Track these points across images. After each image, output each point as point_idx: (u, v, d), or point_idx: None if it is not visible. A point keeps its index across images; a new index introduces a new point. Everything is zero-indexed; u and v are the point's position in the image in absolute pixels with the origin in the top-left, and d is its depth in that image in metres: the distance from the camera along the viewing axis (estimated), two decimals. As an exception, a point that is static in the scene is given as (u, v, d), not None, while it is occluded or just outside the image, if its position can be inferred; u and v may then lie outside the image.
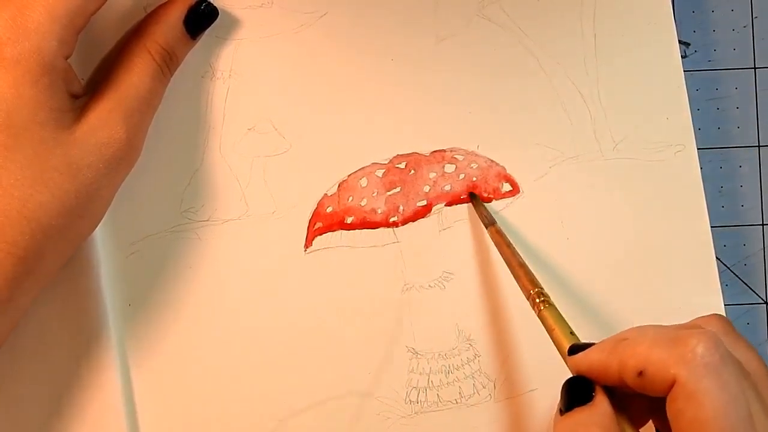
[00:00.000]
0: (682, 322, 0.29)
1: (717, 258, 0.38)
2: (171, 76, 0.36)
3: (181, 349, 0.37)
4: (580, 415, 0.27)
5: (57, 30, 0.31)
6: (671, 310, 0.38)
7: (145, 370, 0.37)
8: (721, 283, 0.38)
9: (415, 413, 0.38)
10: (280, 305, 0.38)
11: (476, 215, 0.38)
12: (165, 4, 0.35)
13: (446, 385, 0.38)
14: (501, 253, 0.36)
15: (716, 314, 0.30)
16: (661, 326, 0.28)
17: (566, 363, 0.29)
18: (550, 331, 0.31)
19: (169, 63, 0.35)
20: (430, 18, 0.38)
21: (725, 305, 0.38)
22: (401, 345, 0.38)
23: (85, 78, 0.35)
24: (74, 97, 0.33)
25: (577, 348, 0.29)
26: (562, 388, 0.28)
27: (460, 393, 0.38)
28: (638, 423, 0.29)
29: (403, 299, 0.38)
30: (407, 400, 0.38)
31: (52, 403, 0.36)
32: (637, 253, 0.38)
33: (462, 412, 0.38)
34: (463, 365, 0.38)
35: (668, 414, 0.25)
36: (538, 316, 0.31)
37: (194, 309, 0.37)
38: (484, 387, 0.38)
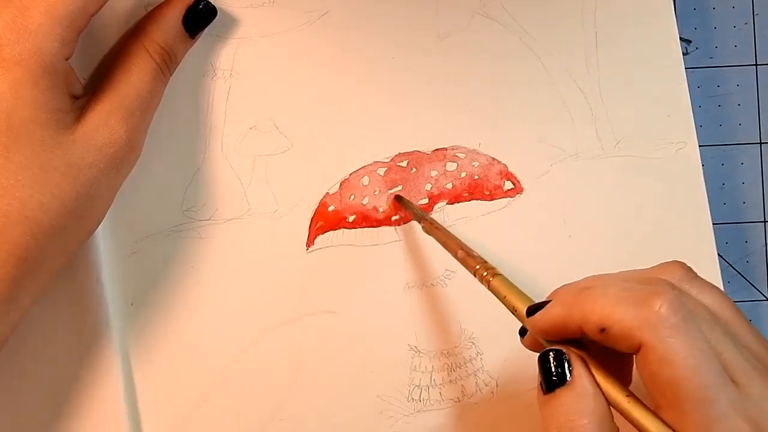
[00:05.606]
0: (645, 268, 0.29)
1: (719, 255, 0.38)
2: (170, 76, 0.36)
3: (183, 348, 0.37)
4: (564, 400, 0.26)
5: (58, 31, 0.31)
6: (673, 307, 0.38)
7: (147, 369, 0.37)
8: (723, 281, 0.38)
9: (418, 411, 0.38)
10: (282, 304, 0.38)
11: (478, 213, 0.38)
12: (164, 3, 0.35)
13: (449, 383, 0.38)
14: (439, 241, 0.35)
15: (677, 261, 0.29)
16: (623, 275, 0.28)
17: (526, 326, 0.28)
18: (502, 299, 0.30)
19: (168, 62, 0.35)
20: (432, 16, 0.38)
21: (727, 302, 0.38)
22: (403, 343, 0.38)
23: (85, 78, 0.35)
24: (75, 97, 0.33)
25: (534, 308, 0.28)
26: (538, 361, 0.27)
27: (462, 391, 0.38)
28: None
29: (405, 298, 0.38)
30: (410, 398, 0.38)
31: (54, 403, 0.36)
32: (639, 251, 0.38)
33: (465, 410, 0.38)
34: (465, 363, 0.38)
35: (642, 376, 0.25)
36: (489, 288, 0.31)
37: (196, 308, 0.37)
38: (486, 385, 0.38)
